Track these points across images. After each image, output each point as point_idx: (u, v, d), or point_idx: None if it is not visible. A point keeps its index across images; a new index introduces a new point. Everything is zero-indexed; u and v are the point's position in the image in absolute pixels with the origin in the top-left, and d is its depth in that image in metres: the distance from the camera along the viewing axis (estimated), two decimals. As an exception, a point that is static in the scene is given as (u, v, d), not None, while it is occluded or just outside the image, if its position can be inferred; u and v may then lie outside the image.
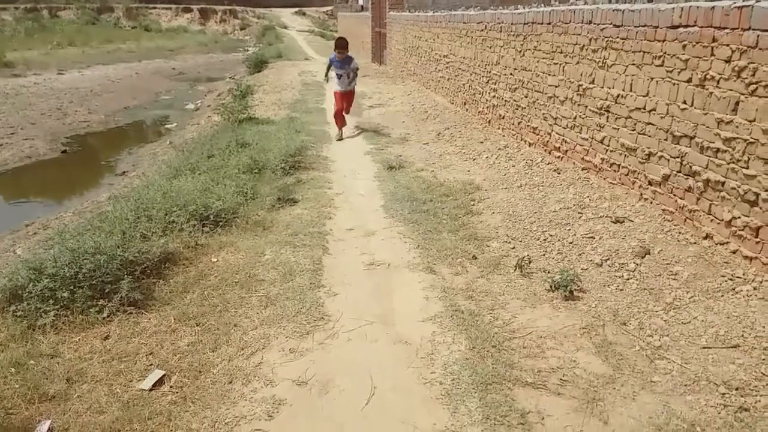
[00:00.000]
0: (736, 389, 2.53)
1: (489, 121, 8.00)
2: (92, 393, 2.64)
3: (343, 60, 8.09)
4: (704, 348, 2.85)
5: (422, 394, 2.61)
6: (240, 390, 2.64)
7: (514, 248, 4.25)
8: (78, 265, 3.43)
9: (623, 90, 4.75)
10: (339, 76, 8.21)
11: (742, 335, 2.88)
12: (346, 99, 8.38)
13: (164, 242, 4.15)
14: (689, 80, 3.97)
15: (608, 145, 5.03)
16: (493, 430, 2.35)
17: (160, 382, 2.71)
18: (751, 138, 3.42)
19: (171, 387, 2.68)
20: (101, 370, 2.81)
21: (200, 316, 3.32)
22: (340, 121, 8.32)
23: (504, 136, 7.37)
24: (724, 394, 2.52)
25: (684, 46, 3.99)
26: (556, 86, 5.93)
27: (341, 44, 8.12)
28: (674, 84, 4.12)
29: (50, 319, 3.20)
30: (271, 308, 3.43)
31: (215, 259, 4.13)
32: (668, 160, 4.23)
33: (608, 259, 3.82)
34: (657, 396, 2.55)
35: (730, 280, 3.34)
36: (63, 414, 2.50)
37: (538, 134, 6.45)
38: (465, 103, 9.11)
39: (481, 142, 7.32)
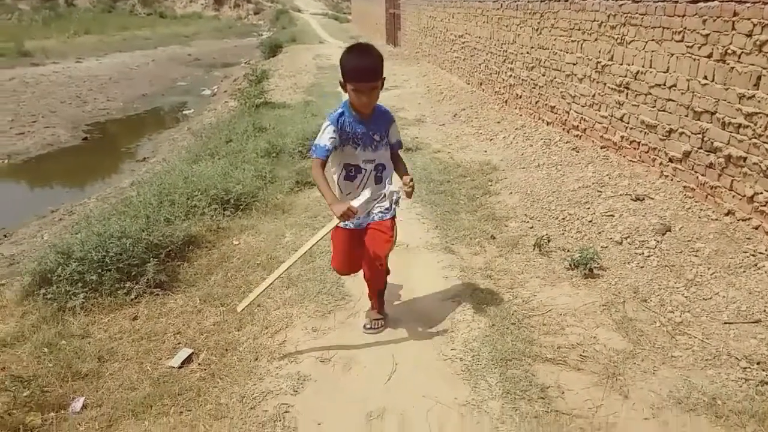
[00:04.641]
0: (758, 363, 2.54)
1: (506, 101, 7.94)
2: (123, 371, 2.72)
3: (367, 121, 2.65)
4: (726, 323, 2.85)
5: (443, 370, 2.66)
6: (266, 367, 2.71)
7: (532, 228, 4.25)
8: (105, 248, 3.51)
9: (643, 66, 4.69)
10: (351, 175, 2.72)
11: (765, 310, 2.87)
12: (371, 251, 2.74)
13: (187, 226, 4.23)
14: (710, 55, 3.91)
15: (628, 123, 4.98)
16: (514, 404, 2.39)
17: (188, 360, 2.79)
18: (775, 112, 3.37)
19: (199, 364, 2.75)
20: (131, 349, 2.89)
21: (224, 296, 3.39)
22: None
23: (521, 115, 7.32)
24: (745, 368, 2.53)
25: (704, 21, 3.92)
26: (574, 64, 5.86)
27: (364, 66, 2.52)
28: (695, 59, 4.06)
29: (80, 302, 3.28)
30: (293, 289, 3.49)
31: (237, 242, 4.20)
32: (689, 136, 4.18)
33: (628, 236, 3.81)
34: (677, 371, 2.57)
35: (752, 255, 3.32)
36: (96, 391, 2.59)
37: (556, 113, 6.40)
38: (481, 84, 9.04)
39: (498, 122, 7.28)
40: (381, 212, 2.77)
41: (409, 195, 2.65)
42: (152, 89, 15.87)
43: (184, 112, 12.83)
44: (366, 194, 2.64)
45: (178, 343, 2.95)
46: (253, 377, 2.63)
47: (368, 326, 3.01)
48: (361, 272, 2.97)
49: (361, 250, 2.80)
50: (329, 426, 2.28)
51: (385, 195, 2.76)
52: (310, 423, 2.33)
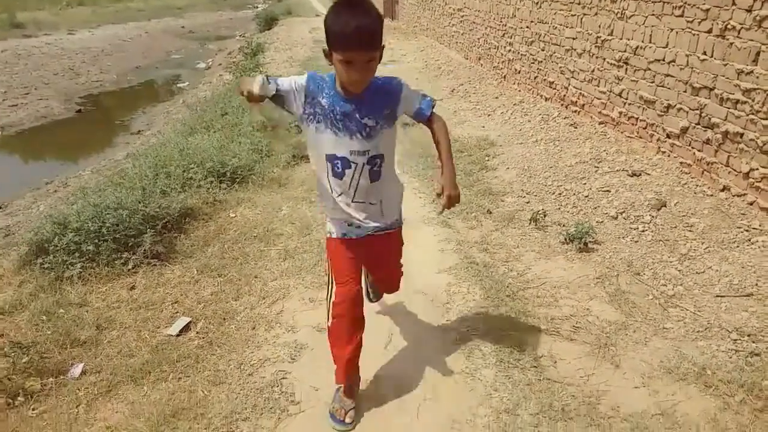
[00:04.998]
0: (748, 335, 2.58)
1: (504, 76, 7.89)
2: (122, 338, 2.75)
3: (357, 100, 1.91)
4: (718, 296, 2.88)
5: (438, 339, 2.69)
6: (263, 335, 2.74)
7: (528, 203, 4.26)
8: (101, 219, 3.51)
9: (642, 41, 4.65)
10: (338, 171, 2.01)
11: (756, 284, 2.91)
12: (379, 269, 2.41)
13: (183, 198, 4.22)
14: (710, 30, 3.88)
15: (626, 98, 4.96)
16: (507, 372, 2.43)
17: (186, 329, 2.81)
18: (773, 87, 3.37)
19: (197, 333, 2.78)
20: (129, 317, 2.92)
21: (222, 268, 3.41)
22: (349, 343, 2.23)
23: (519, 91, 7.28)
24: (735, 340, 2.57)
25: (706, -6, 3.88)
26: (573, 38, 5.81)
27: (356, 28, 1.73)
28: (694, 35, 4.03)
29: (77, 271, 3.30)
30: (289, 261, 3.50)
31: (234, 215, 4.21)
32: (687, 112, 4.17)
33: (624, 211, 3.83)
34: (669, 342, 2.61)
35: (746, 231, 3.35)
36: (94, 358, 2.62)
37: (554, 88, 6.37)
38: (480, 59, 8.96)
39: (496, 98, 7.23)
40: (384, 221, 2.13)
41: (443, 208, 2.02)
42: (146, 62, 15.67)
43: (178, 85, 12.69)
44: (366, 188, 2.02)
45: (176, 312, 2.97)
46: (250, 345, 2.67)
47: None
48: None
49: (379, 273, 2.40)
50: (326, 391, 2.32)
51: (382, 201, 2.08)
52: (307, 389, 2.37)
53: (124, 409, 2.26)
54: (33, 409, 2.29)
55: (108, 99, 11.80)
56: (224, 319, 2.90)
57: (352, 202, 2.03)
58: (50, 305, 2.97)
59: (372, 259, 2.25)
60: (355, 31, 1.72)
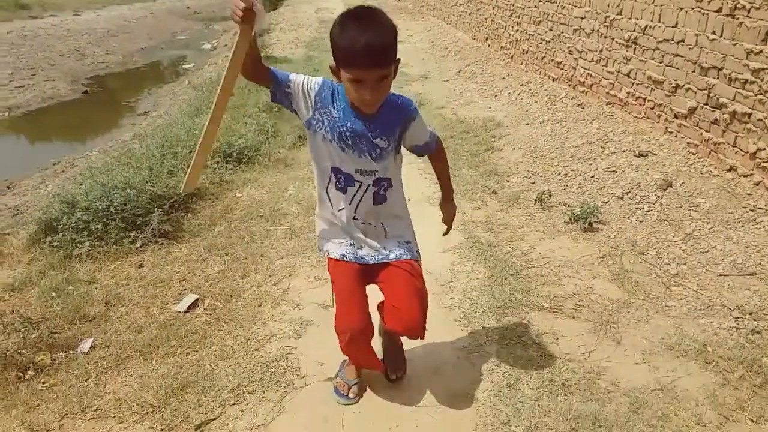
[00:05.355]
0: (750, 314, 2.59)
1: (511, 57, 7.82)
2: (130, 315, 2.79)
3: (369, 118, 1.79)
4: (721, 275, 2.89)
5: (442, 317, 2.72)
6: (269, 312, 2.78)
7: (534, 183, 4.26)
8: (109, 198, 3.55)
9: (651, 21, 4.60)
10: (340, 186, 1.90)
11: (760, 263, 2.91)
12: (390, 287, 2.00)
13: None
14: (719, 10, 3.83)
15: (634, 79, 4.92)
16: (509, 349, 2.46)
17: (194, 305, 2.86)
18: (783, 66, 3.33)
19: (204, 309, 2.82)
20: (137, 294, 2.96)
21: (228, 246, 3.44)
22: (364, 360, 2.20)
23: (527, 71, 7.22)
24: (737, 318, 2.58)
25: (717, -29, 3.83)
26: (582, 18, 5.74)
27: (366, 45, 1.56)
28: (704, 14, 3.98)
29: (85, 249, 3.34)
30: (295, 240, 3.53)
31: (240, 195, 4.23)
32: (695, 92, 4.14)
33: (629, 192, 3.82)
34: (670, 319, 2.63)
35: (752, 211, 3.34)
36: (103, 333, 2.66)
37: (562, 69, 6.31)
38: (487, 39, 8.88)
39: (503, 78, 7.19)
40: (406, 247, 2.00)
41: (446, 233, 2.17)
42: (151, 43, 15.62)
43: (184, 66, 12.65)
44: (371, 212, 1.92)
45: (184, 290, 3.01)
46: (257, 322, 2.71)
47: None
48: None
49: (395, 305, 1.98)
50: (331, 366, 2.36)
51: (384, 224, 1.96)
52: (312, 363, 2.41)
53: (133, 383, 2.31)
54: (43, 383, 2.35)
55: (114, 80, 11.80)
56: (231, 296, 2.94)
57: (352, 219, 1.92)
58: (60, 282, 3.01)
59: (380, 274, 1.99)
60: (365, 47, 1.55)
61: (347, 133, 1.78)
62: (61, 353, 2.51)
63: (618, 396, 2.18)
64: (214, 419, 2.12)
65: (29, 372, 2.38)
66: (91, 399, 2.24)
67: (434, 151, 1.99)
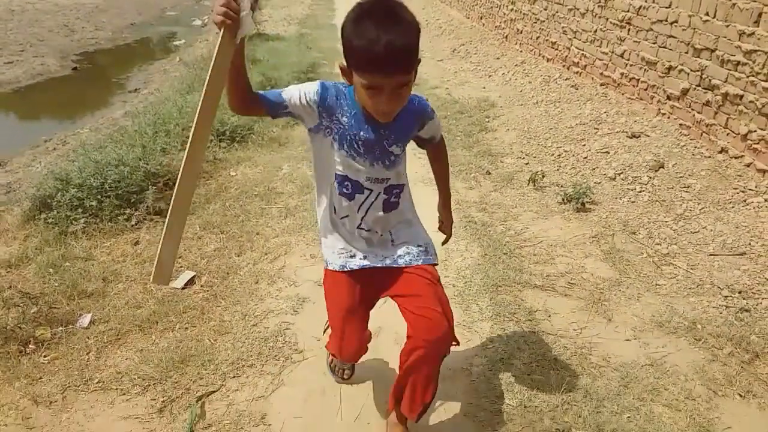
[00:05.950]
0: (739, 292, 2.66)
1: (506, 37, 7.79)
2: (128, 291, 2.81)
3: (383, 125, 1.57)
4: (711, 255, 2.95)
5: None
6: (266, 289, 2.81)
7: (528, 164, 4.29)
8: (103, 176, 3.54)
9: (645, 1, 4.60)
10: (347, 192, 1.67)
11: (750, 244, 2.97)
12: (407, 292, 1.74)
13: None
14: (716, -11, 3.84)
15: (628, 60, 4.94)
16: (502, 325, 2.51)
17: (191, 282, 2.88)
18: (776, 48, 3.36)
19: (202, 286, 2.85)
20: (134, 271, 2.97)
21: (224, 224, 3.45)
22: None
23: (521, 51, 7.21)
24: (726, 296, 2.65)
25: (714, -48, 3.83)
26: (577, -2, 5.73)
27: (387, 48, 1.33)
28: (700, -7, 4.00)
29: (81, 226, 3.33)
30: (290, 219, 3.55)
31: (234, 173, 4.23)
32: (688, 73, 4.16)
33: (622, 172, 3.87)
34: (661, 298, 2.69)
35: (742, 192, 3.40)
36: (102, 309, 2.68)
37: (556, 49, 6.31)
38: (481, 18, 8.83)
39: (498, 59, 7.17)
40: (416, 251, 1.78)
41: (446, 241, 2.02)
42: (141, 18, 15.35)
43: (174, 42, 12.47)
44: (380, 221, 1.72)
45: (180, 267, 3.03)
46: (254, 298, 2.74)
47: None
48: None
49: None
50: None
51: (392, 232, 1.77)
52: (309, 338, 2.45)
53: (134, 356, 2.34)
54: (44, 356, 2.37)
55: (104, 56, 11.61)
56: (227, 273, 2.96)
57: (356, 228, 1.71)
58: (56, 259, 3.02)
59: (391, 283, 1.74)
60: (385, 50, 1.32)
61: (359, 142, 1.57)
62: (60, 328, 2.52)
63: (609, 371, 2.25)
64: (214, 391, 2.16)
65: (30, 346, 2.40)
66: (93, 372, 2.27)
67: (436, 146, 1.82)
